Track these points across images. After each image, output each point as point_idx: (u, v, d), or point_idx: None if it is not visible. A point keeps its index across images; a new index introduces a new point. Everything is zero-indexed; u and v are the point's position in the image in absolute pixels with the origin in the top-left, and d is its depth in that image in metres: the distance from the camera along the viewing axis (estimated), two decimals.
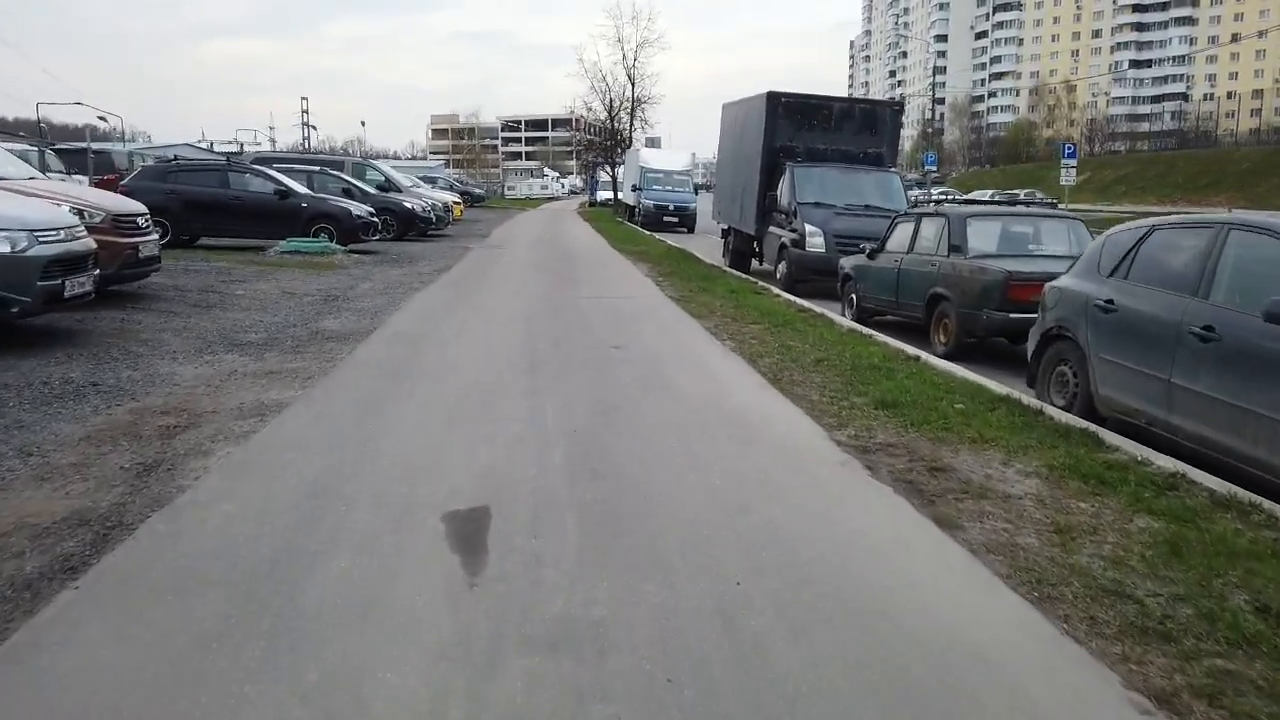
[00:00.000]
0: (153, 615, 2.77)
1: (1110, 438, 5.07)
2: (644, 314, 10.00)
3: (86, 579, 3.01)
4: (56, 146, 23.07)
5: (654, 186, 33.36)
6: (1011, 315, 7.87)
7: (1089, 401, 5.77)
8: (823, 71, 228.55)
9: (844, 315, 10.64)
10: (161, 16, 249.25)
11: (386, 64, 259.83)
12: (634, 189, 35.57)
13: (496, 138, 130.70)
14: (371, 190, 20.90)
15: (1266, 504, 3.94)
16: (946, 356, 8.07)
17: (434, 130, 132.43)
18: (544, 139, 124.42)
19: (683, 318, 9.73)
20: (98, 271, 7.49)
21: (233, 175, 16.20)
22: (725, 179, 18.76)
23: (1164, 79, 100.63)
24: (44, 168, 17.63)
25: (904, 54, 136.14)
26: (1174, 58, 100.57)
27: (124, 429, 4.85)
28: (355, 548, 3.29)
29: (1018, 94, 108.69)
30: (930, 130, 76.16)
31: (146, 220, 9.45)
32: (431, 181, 34.48)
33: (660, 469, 4.30)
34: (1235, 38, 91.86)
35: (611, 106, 44.21)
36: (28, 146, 19.73)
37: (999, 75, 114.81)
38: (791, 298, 11.72)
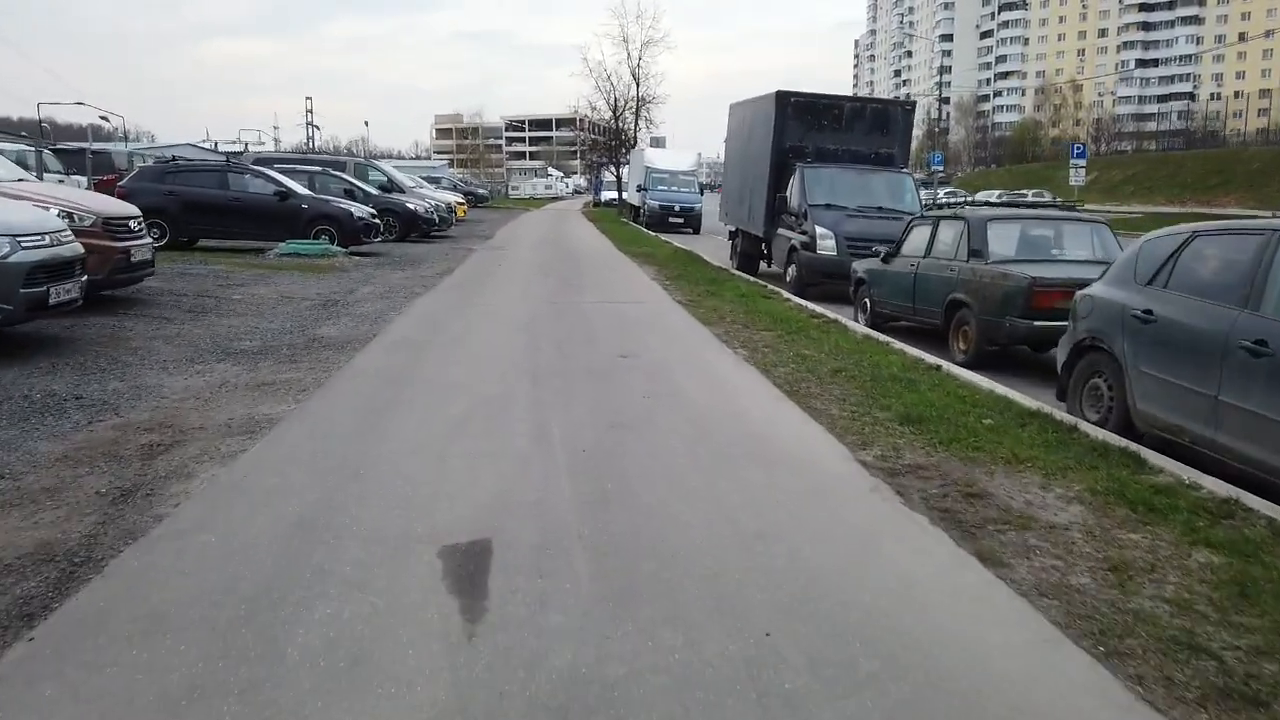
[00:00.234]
0: (115, 671, 2.48)
1: (1153, 458, 4.75)
2: (652, 320, 9.70)
3: (45, 627, 2.72)
4: (56, 147, 22.85)
5: (659, 187, 33.01)
6: (1036, 323, 7.55)
7: (1125, 417, 5.46)
8: (824, 71, 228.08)
9: (857, 320, 10.33)
10: (161, 17, 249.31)
11: (386, 64, 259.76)
12: (639, 189, 35.23)
13: (500, 138, 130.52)
14: (373, 191, 20.63)
15: None
16: (966, 365, 7.75)
17: (438, 130, 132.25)
18: (548, 139, 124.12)
19: (692, 324, 9.43)
20: (85, 277, 7.20)
21: (232, 176, 15.91)
22: (733, 180, 18.44)
23: (1170, 78, 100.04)
24: (42, 168, 17.40)
25: (909, 53, 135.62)
26: (1180, 57, 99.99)
27: (104, 447, 4.56)
28: (344, 588, 3.00)
29: (1023, 93, 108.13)
30: (937, 130, 75.65)
31: (139, 223, 9.17)
32: (435, 182, 34.25)
33: (676, 497, 3.99)
34: (1242, 37, 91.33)
35: (616, 106, 43.95)
36: (25, 147, 19.46)
37: (1004, 75, 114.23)
38: (802, 302, 11.41)
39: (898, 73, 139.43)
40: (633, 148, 43.01)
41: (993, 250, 8.35)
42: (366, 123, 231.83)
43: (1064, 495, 4.16)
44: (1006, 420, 5.49)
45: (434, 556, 3.27)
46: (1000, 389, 6.39)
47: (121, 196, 13.05)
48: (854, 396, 6.07)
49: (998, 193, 49.43)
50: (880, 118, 15.11)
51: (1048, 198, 40.96)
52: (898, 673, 2.52)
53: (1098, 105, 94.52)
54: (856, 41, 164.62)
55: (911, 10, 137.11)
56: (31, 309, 6.50)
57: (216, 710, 2.31)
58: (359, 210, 16.79)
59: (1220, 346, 4.65)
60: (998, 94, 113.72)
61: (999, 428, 5.31)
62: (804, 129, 14.63)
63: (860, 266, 10.81)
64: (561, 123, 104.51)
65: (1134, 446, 4.91)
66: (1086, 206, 28.58)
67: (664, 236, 25.67)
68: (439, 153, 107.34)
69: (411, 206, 20.84)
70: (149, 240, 9.47)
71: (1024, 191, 49.08)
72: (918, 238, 9.63)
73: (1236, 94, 78.71)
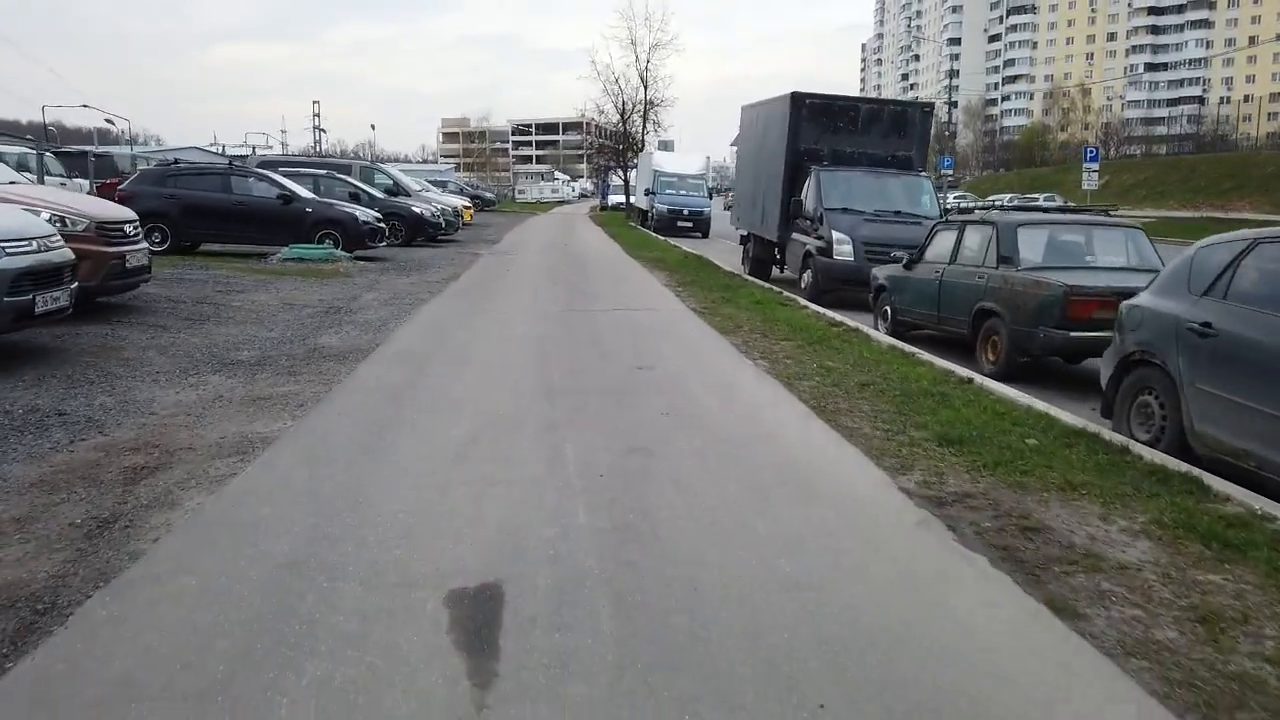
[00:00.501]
0: None
1: (1216, 484, 4.38)
2: (666, 329, 9.34)
3: None
4: (59, 150, 22.63)
5: (667, 190, 32.66)
6: (1071, 334, 7.18)
7: (1180, 437, 5.08)
8: (831, 75, 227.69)
9: (877, 328, 9.96)
10: (164, 19, 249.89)
11: (390, 68, 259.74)
12: (647, 193, 34.85)
13: (507, 141, 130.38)
14: (379, 195, 20.32)
15: None
16: (995, 376, 7.37)
17: (445, 134, 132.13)
18: (554, 142, 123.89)
19: (708, 333, 9.07)
20: (76, 285, 6.89)
21: (235, 179, 15.60)
22: (745, 183, 18.09)
23: (1180, 82, 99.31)
24: (43, 171, 17.15)
25: (916, 57, 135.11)
26: (1190, 60, 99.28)
27: (84, 471, 4.22)
28: (337, 644, 2.64)
29: (1031, 97, 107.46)
30: (946, 133, 75.18)
31: (135, 227, 8.85)
32: (441, 185, 33.98)
33: (704, 534, 3.62)
34: (1252, 40, 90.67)
35: (624, 109, 43.61)
36: (26, 149, 19.21)
37: (1012, 78, 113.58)
38: (820, 309, 11.03)
39: (905, 76, 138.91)
40: (640, 151, 42.66)
41: (1024, 257, 7.97)
42: (373, 126, 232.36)
43: (1128, 529, 3.79)
44: (1051, 440, 5.12)
45: (439, 604, 2.92)
46: (1039, 405, 6.01)
47: (122, 200, 12.78)
48: (886, 413, 5.70)
49: (1009, 196, 48.95)
50: (898, 120, 14.74)
51: (1058, 201, 40.46)
52: None
53: (1107, 109, 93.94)
54: (863, 45, 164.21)
55: (919, 14, 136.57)
56: (17, 319, 6.18)
57: None
58: (364, 214, 16.47)
59: None
60: (1006, 98, 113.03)
61: (1044, 449, 4.94)
62: (819, 131, 14.27)
63: (881, 273, 10.44)
64: (568, 126, 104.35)
65: (1195, 471, 4.54)
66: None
67: (673, 241, 25.32)
68: (445, 156, 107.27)
69: (417, 210, 20.51)
70: (145, 245, 9.15)
71: (1034, 196, 48.52)
72: (942, 243, 9.26)
73: (1246, 98, 77.88)
